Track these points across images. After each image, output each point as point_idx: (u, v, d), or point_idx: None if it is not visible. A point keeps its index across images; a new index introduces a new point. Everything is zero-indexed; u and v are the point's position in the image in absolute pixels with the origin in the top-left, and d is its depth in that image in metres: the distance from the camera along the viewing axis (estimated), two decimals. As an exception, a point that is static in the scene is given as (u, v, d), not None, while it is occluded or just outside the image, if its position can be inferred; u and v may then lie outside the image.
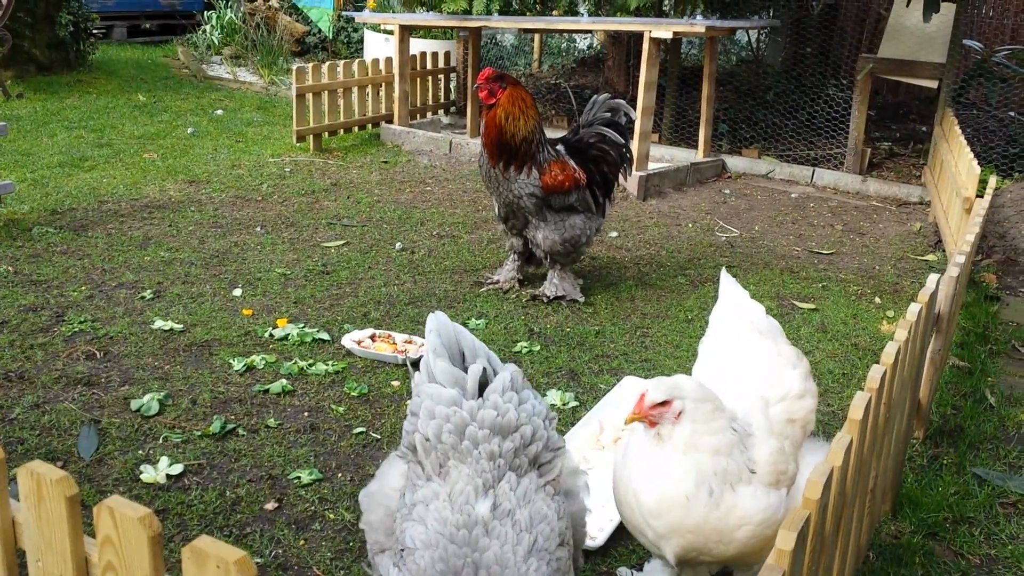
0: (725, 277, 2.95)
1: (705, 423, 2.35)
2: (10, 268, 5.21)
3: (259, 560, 2.91)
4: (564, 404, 4.01)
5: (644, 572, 2.80)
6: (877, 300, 5.49)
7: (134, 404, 3.81)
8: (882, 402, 2.45)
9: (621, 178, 5.36)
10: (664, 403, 2.35)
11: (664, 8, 9.59)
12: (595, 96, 5.37)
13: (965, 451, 3.75)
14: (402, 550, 2.10)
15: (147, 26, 14.97)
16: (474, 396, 2.15)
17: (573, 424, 3.78)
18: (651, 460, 2.39)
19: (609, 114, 5.27)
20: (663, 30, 7.42)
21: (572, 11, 10.19)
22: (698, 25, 7.59)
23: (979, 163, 5.71)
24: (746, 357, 2.71)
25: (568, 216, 5.12)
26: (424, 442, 2.15)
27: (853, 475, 2.18)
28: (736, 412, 2.47)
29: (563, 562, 2.11)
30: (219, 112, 10.09)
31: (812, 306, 5.32)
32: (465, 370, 2.19)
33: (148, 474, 3.34)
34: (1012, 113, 8.37)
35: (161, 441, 3.58)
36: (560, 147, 5.17)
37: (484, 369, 2.19)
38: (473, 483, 2.08)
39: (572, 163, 5.09)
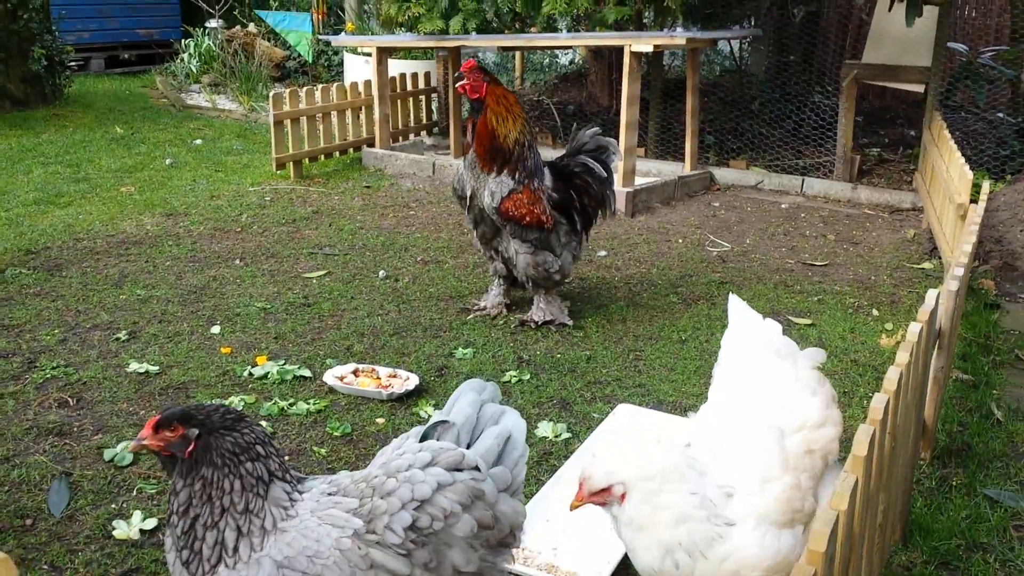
0: (734, 301, 2.80)
1: (655, 497, 2.25)
2: (-20, 313, 5.05)
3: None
4: (556, 436, 3.86)
5: None
6: (875, 312, 5.36)
7: (107, 454, 3.65)
8: (887, 432, 2.31)
9: (600, 217, 5.20)
10: (604, 489, 2.29)
11: (644, 21, 9.50)
12: (583, 129, 5.21)
13: (974, 471, 3.61)
14: None
15: (126, 56, 14.84)
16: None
17: (566, 457, 3.63)
18: (620, 531, 2.35)
19: (596, 148, 5.12)
20: (643, 43, 7.31)
21: (551, 27, 10.09)
22: (678, 37, 7.49)
23: (970, 167, 5.60)
24: (760, 384, 2.56)
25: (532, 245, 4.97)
26: None
27: (861, 515, 2.04)
28: (707, 465, 2.33)
29: None
30: (198, 142, 9.94)
31: (808, 321, 5.19)
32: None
33: (121, 530, 3.18)
34: (1000, 115, 8.28)
35: (135, 493, 3.42)
36: (547, 170, 5.02)
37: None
38: None
39: (546, 202, 4.90)
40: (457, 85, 4.86)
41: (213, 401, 4.06)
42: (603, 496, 2.31)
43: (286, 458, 3.65)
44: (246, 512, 2.04)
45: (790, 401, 2.48)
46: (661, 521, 2.24)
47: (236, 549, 2.03)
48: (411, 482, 2.08)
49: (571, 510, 2.41)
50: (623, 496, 2.28)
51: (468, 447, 2.19)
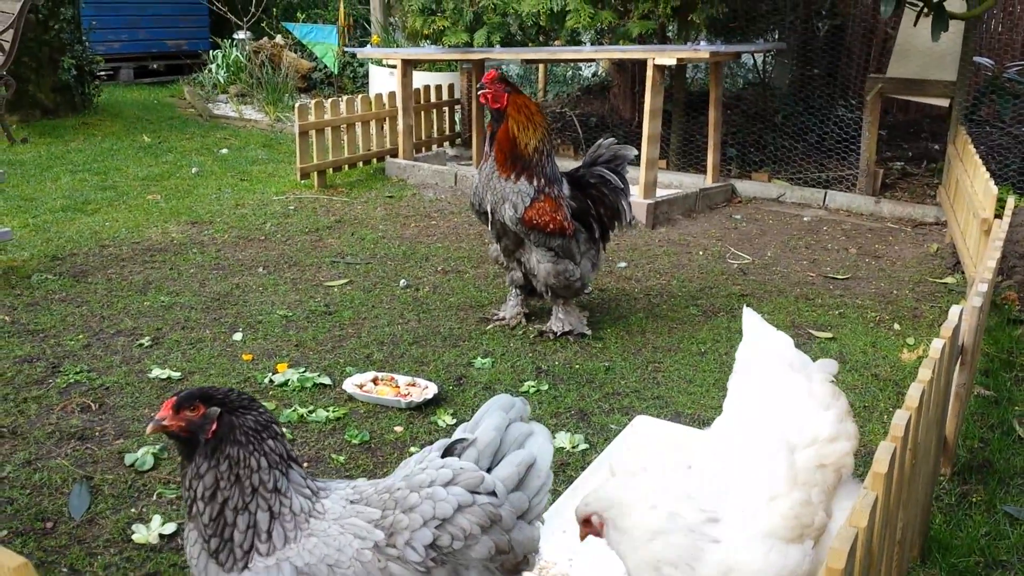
0: (748, 314, 2.80)
1: (626, 519, 2.35)
2: (7, 318, 5.11)
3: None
4: (574, 447, 3.86)
5: None
6: (896, 327, 5.33)
7: (128, 458, 3.69)
8: (908, 449, 2.29)
9: (617, 227, 5.21)
10: (587, 522, 2.43)
11: (667, 34, 9.50)
12: (600, 140, 5.24)
13: (995, 488, 3.58)
14: None
15: (154, 67, 15.02)
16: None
17: (583, 468, 3.63)
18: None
19: (611, 158, 5.14)
20: (667, 57, 7.32)
21: (575, 40, 10.12)
22: (702, 51, 7.49)
23: (995, 181, 5.55)
24: (772, 397, 2.55)
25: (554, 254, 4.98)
26: None
27: (880, 532, 2.02)
28: (698, 485, 2.36)
29: None
30: (224, 151, 10.04)
31: (829, 335, 5.16)
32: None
33: (140, 534, 3.21)
34: (1026, 129, 8.20)
35: (155, 498, 3.45)
36: (564, 180, 5.04)
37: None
38: None
39: (566, 210, 4.94)
40: (479, 94, 4.89)
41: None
42: (591, 529, 2.43)
43: (304, 465, 3.67)
44: (276, 492, 2.02)
45: (802, 415, 2.47)
46: (640, 538, 2.32)
47: (270, 534, 1.99)
48: (433, 499, 2.06)
49: (581, 541, 2.52)
50: (602, 525, 2.40)
51: (489, 469, 2.16)
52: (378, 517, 2.07)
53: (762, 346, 2.67)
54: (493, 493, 2.11)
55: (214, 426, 2.01)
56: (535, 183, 4.85)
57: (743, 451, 2.43)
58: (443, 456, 2.17)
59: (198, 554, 2.04)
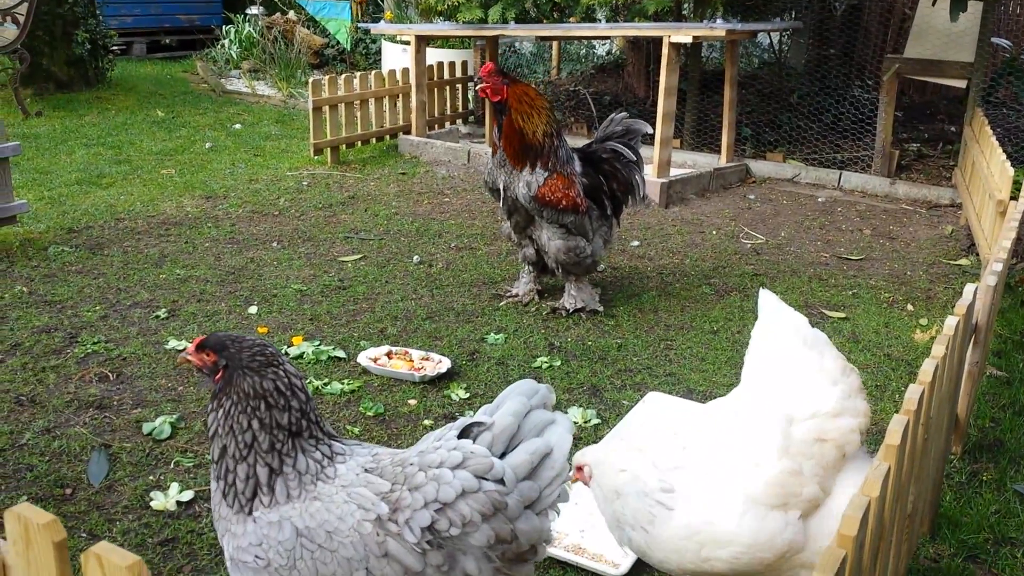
0: (765, 294, 2.78)
1: (603, 477, 2.59)
2: (25, 289, 5.16)
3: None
4: (586, 422, 3.89)
5: None
6: (910, 307, 5.33)
7: (146, 427, 3.74)
8: (920, 423, 2.31)
9: (631, 202, 5.21)
10: (579, 469, 2.70)
11: (683, 12, 9.45)
12: (613, 115, 5.24)
13: (1005, 466, 3.59)
14: None
15: (167, 42, 15.01)
16: None
17: (595, 443, 3.66)
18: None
19: (625, 132, 5.14)
20: (682, 35, 7.28)
21: (590, 17, 10.07)
22: (718, 29, 7.45)
23: (1011, 163, 5.52)
24: (782, 372, 2.57)
25: (566, 231, 4.99)
26: None
27: (891, 504, 2.05)
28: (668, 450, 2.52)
29: None
30: (237, 126, 10.06)
31: (842, 315, 5.16)
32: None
33: (158, 501, 3.25)
34: (1044, 111, 8.15)
35: (172, 466, 3.49)
36: (576, 156, 5.05)
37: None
38: None
39: (579, 186, 4.94)
40: (477, 89, 4.90)
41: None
42: (580, 474, 2.69)
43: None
44: (272, 451, 2.09)
45: (807, 389, 2.49)
46: (605, 497, 2.58)
47: (271, 488, 2.08)
48: (438, 481, 2.05)
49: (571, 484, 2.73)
50: (590, 478, 2.65)
51: (504, 455, 2.12)
52: (387, 490, 2.08)
53: (777, 324, 2.68)
54: (501, 481, 2.07)
55: (218, 375, 2.16)
56: (548, 165, 4.86)
57: (740, 421, 2.49)
58: (460, 437, 2.15)
59: (215, 490, 2.17)
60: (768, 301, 2.77)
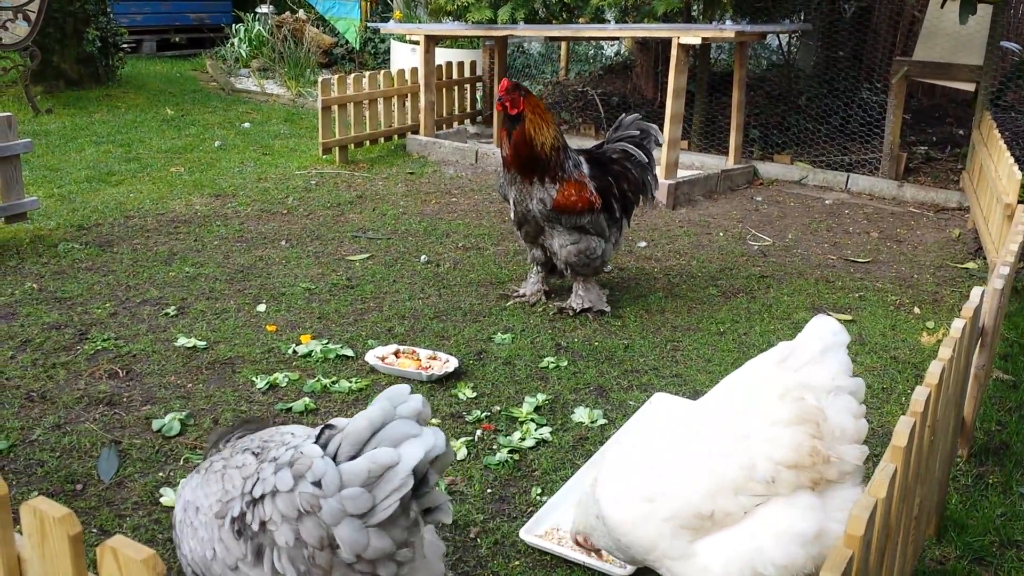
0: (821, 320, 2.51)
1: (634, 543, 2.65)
2: (35, 285, 5.19)
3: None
4: (592, 422, 3.90)
5: None
6: (916, 310, 5.33)
7: (155, 424, 3.76)
8: (927, 425, 2.32)
9: (642, 200, 5.24)
10: (579, 543, 2.92)
11: (692, 13, 9.46)
12: (623, 116, 5.27)
13: (1011, 470, 3.60)
14: None
15: (176, 40, 15.07)
16: None
17: (602, 443, 3.68)
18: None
19: (637, 133, 5.17)
20: (691, 36, 7.29)
21: (599, 18, 10.09)
22: (727, 30, 7.45)
23: (1019, 167, 5.53)
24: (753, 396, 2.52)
25: (581, 233, 5.02)
26: None
27: (897, 504, 2.06)
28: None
29: None
30: (246, 125, 10.09)
31: (849, 317, 5.17)
32: None
33: (168, 497, 3.28)
34: (1052, 115, 8.15)
35: (182, 462, 3.52)
36: (583, 160, 5.07)
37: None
38: None
39: (591, 186, 4.98)
40: (496, 104, 4.96)
41: (257, 378, 4.17)
42: (586, 543, 2.85)
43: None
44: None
45: (763, 422, 2.41)
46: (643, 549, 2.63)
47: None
48: (259, 476, 2.11)
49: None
50: (587, 539, 2.81)
51: (352, 459, 2.00)
52: (249, 474, 2.20)
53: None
54: (319, 484, 1.98)
55: None
56: (556, 177, 4.91)
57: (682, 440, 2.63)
58: (316, 440, 2.09)
59: None
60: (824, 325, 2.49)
